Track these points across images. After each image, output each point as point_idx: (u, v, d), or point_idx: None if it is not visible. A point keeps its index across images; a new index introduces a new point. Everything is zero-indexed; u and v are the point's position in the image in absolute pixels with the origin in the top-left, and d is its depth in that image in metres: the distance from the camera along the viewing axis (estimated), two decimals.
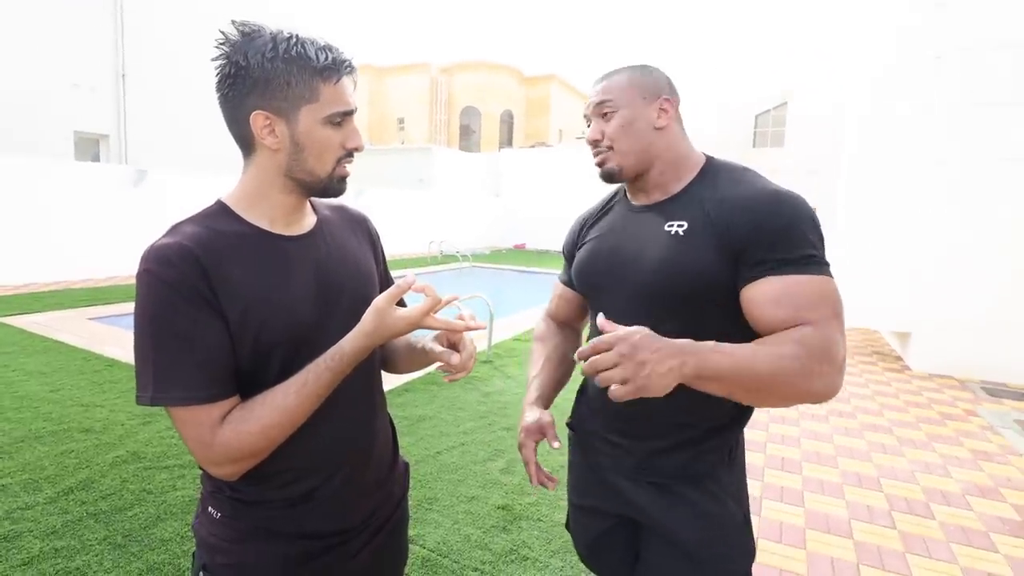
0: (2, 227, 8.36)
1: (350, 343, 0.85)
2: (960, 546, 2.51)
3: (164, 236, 0.84)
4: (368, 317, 0.85)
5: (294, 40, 0.84)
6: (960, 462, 3.40)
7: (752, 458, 3.36)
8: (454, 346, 0.94)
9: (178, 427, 0.81)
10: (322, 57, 0.84)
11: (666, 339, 0.86)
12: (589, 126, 1.17)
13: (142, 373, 0.80)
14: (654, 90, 1.11)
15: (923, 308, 5.43)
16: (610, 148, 1.11)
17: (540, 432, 1.19)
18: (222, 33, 0.84)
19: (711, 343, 0.89)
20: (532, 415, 1.21)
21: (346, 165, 0.93)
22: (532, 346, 1.40)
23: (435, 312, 0.87)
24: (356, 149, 0.92)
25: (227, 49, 0.84)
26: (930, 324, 5.42)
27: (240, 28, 0.85)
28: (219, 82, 0.86)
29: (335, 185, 0.93)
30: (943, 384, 5.07)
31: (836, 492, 2.98)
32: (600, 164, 1.14)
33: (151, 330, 0.79)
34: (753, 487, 2.99)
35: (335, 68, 0.85)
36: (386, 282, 1.13)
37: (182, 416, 0.80)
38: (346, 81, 0.88)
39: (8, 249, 8.43)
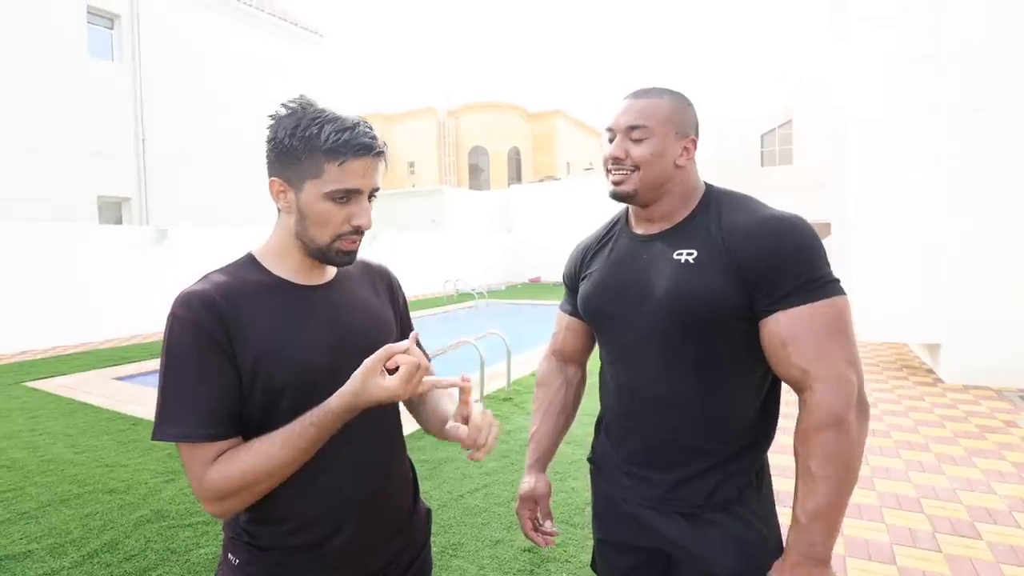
0: (31, 293, 8.62)
1: (337, 401, 0.86)
2: (1011, 567, 2.38)
3: (195, 283, 0.92)
4: (355, 378, 0.86)
5: (318, 119, 0.90)
6: (1003, 476, 3.26)
7: (786, 485, 3.24)
8: (467, 420, 0.94)
9: (182, 460, 0.87)
10: (332, 139, 0.89)
11: (792, 564, 0.97)
12: (611, 140, 1.14)
13: (157, 410, 0.87)
14: (685, 129, 1.12)
15: (951, 317, 5.28)
16: (634, 170, 1.11)
17: (535, 502, 1.28)
18: (284, 106, 0.94)
19: (800, 523, 0.98)
20: (528, 483, 1.30)
21: (350, 240, 0.96)
22: (534, 392, 1.42)
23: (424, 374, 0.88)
24: (359, 227, 0.95)
25: (273, 122, 0.94)
26: (960, 333, 5.27)
27: (288, 105, 0.94)
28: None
29: (335, 256, 0.97)
30: (979, 395, 4.90)
31: (875, 516, 2.86)
32: (617, 183, 1.13)
33: (166, 368, 0.87)
34: (788, 516, 2.88)
35: (343, 151, 0.90)
36: (406, 331, 1.16)
37: (183, 451, 0.87)
38: (355, 163, 0.91)
39: (37, 314, 8.67)
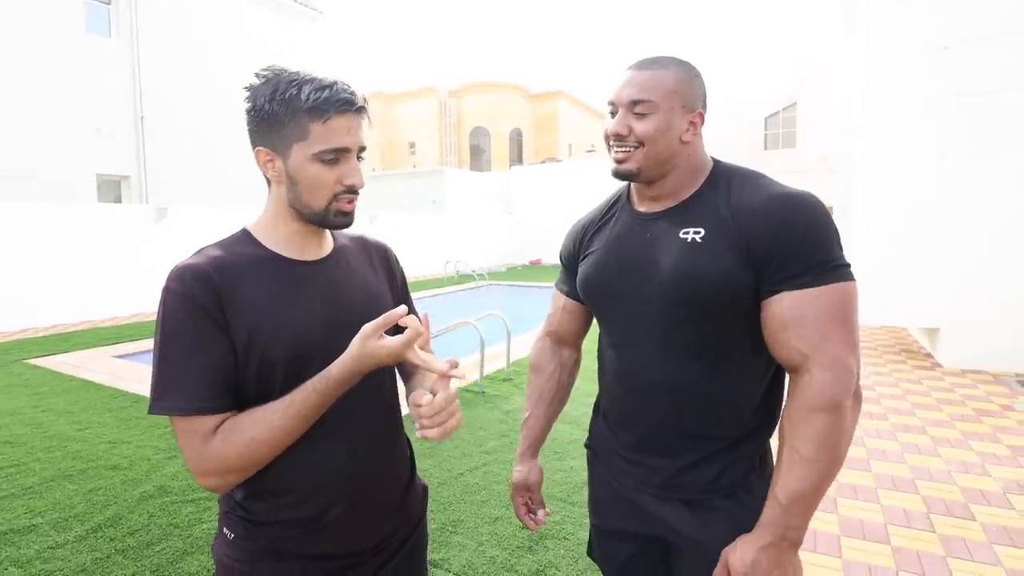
0: (31, 271, 8.61)
1: (337, 367, 0.86)
2: (1003, 547, 2.41)
3: (189, 257, 0.91)
4: (354, 343, 0.86)
5: (295, 82, 0.89)
6: (999, 459, 3.29)
7: None
8: (435, 394, 0.89)
9: (177, 435, 0.86)
10: (313, 97, 0.88)
11: (765, 544, 0.94)
12: (613, 114, 1.08)
13: (153, 384, 0.86)
14: (693, 103, 1.06)
15: (951, 302, 5.30)
16: (637, 147, 1.05)
17: (528, 491, 1.28)
18: (256, 76, 0.92)
19: (779, 503, 0.95)
20: (520, 472, 1.29)
21: (347, 201, 0.95)
22: (528, 375, 1.38)
23: (423, 344, 0.88)
24: (352, 186, 0.94)
25: (249, 92, 0.92)
26: (959, 318, 5.29)
27: (261, 74, 0.92)
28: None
29: (332, 219, 0.95)
30: (976, 379, 4.93)
31: (870, 497, 2.89)
32: (620, 161, 1.07)
33: (161, 342, 0.87)
34: None
35: (325, 108, 0.89)
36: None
37: (179, 425, 0.85)
38: (339, 120, 0.90)
39: (37, 292, 8.68)
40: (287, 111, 0.89)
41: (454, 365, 0.87)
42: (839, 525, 2.62)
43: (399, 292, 1.16)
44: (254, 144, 0.94)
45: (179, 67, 13.99)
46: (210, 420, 0.85)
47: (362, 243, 1.13)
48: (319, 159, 0.90)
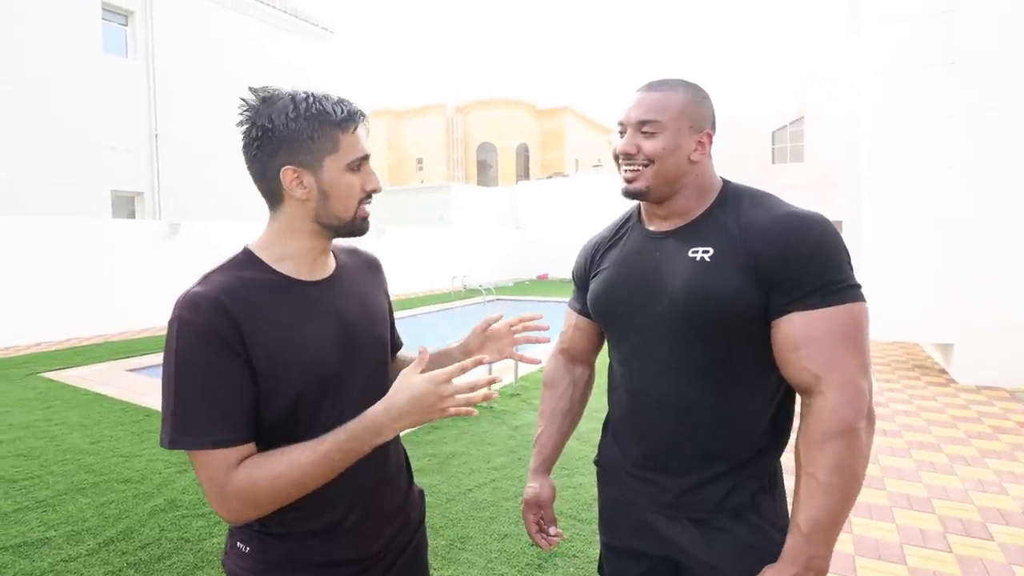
0: (46, 285, 8.73)
1: (371, 409, 0.87)
2: (1023, 568, 2.37)
3: (196, 285, 0.89)
4: (398, 389, 0.87)
5: (312, 99, 0.91)
6: (1016, 478, 3.23)
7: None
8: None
9: (195, 468, 0.85)
10: (339, 111, 0.92)
11: None
12: (622, 134, 1.10)
13: (165, 416, 0.84)
14: (701, 123, 1.08)
15: (965, 317, 5.24)
16: (646, 165, 1.06)
17: (540, 507, 1.26)
18: (243, 100, 0.91)
19: (801, 532, 0.94)
20: (532, 488, 1.27)
21: (366, 206, 0.99)
22: (541, 392, 1.40)
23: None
24: (374, 191, 0.98)
25: (250, 114, 0.91)
26: (974, 333, 5.22)
27: (259, 94, 0.92)
28: (246, 145, 0.93)
29: (359, 225, 0.99)
30: (992, 396, 4.86)
31: (885, 516, 2.85)
32: (629, 180, 1.09)
33: (176, 374, 0.84)
34: None
35: (351, 119, 0.93)
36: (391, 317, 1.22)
37: (200, 459, 0.83)
38: (360, 130, 0.95)
39: (51, 306, 8.79)
40: (315, 126, 0.90)
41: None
42: (853, 545, 2.58)
43: (390, 304, 1.20)
44: (277, 165, 0.90)
45: (193, 86, 14.25)
46: (232, 453, 0.83)
47: (356, 256, 1.15)
48: (350, 168, 0.94)
